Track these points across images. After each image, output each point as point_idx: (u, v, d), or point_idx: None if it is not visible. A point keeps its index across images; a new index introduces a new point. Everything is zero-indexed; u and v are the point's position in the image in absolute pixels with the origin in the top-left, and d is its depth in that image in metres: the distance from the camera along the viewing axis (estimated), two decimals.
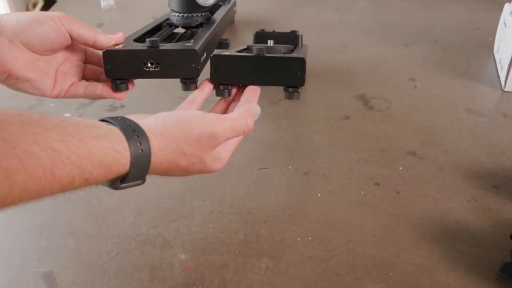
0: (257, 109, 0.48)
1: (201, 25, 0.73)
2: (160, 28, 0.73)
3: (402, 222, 0.61)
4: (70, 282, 0.54)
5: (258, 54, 0.52)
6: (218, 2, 0.83)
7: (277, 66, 0.52)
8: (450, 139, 0.74)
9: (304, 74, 0.52)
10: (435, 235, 0.59)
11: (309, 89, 0.85)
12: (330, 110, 0.81)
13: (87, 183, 0.36)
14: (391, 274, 0.54)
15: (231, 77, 0.53)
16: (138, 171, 0.39)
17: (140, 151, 0.39)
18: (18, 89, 0.52)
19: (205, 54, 0.57)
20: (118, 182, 0.39)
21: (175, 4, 0.74)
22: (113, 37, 0.55)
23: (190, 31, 0.72)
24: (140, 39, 0.63)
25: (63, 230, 0.61)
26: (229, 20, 0.94)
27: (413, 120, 0.78)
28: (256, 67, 0.52)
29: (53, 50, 0.53)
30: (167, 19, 0.75)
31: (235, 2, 1.09)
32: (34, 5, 2.60)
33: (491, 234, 0.58)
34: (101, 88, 0.54)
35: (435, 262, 0.55)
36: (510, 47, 0.83)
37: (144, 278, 0.55)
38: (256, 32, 0.83)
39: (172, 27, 0.74)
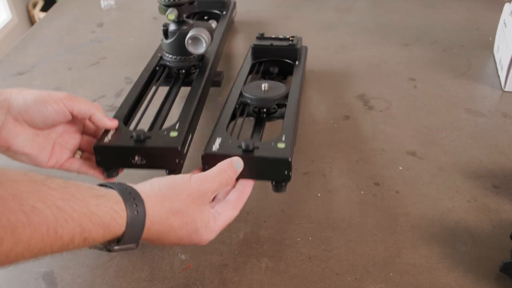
0: (239, 163, 0.53)
1: (194, 66, 0.76)
2: (155, 73, 0.75)
3: (402, 222, 0.61)
4: (70, 282, 0.54)
5: (247, 153, 0.54)
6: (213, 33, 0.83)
7: (264, 165, 0.55)
8: (450, 139, 0.74)
9: (290, 171, 0.54)
10: (435, 235, 0.59)
11: (309, 89, 0.85)
12: (330, 110, 0.81)
13: (86, 242, 0.39)
14: (391, 274, 0.54)
15: None
16: (133, 232, 0.42)
17: (136, 212, 0.42)
18: (16, 160, 0.56)
19: (190, 136, 0.62)
20: (114, 243, 0.42)
21: (168, 48, 0.76)
22: (107, 123, 0.58)
23: (183, 71, 0.76)
24: (133, 106, 0.66)
25: None
26: (224, 41, 0.95)
27: (413, 120, 0.78)
28: (246, 163, 0.54)
29: (54, 126, 0.56)
30: (161, 57, 0.77)
31: (234, 4, 1.09)
32: (34, 5, 2.60)
33: (491, 234, 0.58)
34: (93, 172, 0.59)
35: (435, 262, 0.55)
36: (510, 47, 0.83)
37: (144, 278, 0.55)
38: (254, 45, 0.82)
39: (166, 69, 0.76)
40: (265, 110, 0.68)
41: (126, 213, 0.42)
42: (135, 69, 0.86)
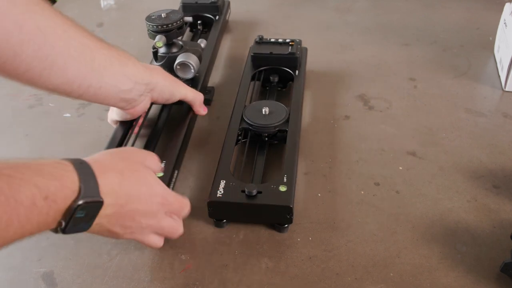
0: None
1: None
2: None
3: (402, 222, 0.60)
4: (70, 282, 0.54)
5: (251, 199, 0.58)
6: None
7: (267, 210, 0.58)
8: (450, 139, 0.74)
9: (292, 215, 0.57)
10: (435, 235, 0.59)
11: (309, 89, 0.85)
12: (330, 110, 0.81)
13: (48, 202, 0.39)
14: (391, 274, 0.54)
15: (225, 215, 0.60)
16: (87, 180, 0.42)
17: (80, 163, 0.43)
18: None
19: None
20: (77, 201, 0.41)
21: None
22: (202, 112, 0.75)
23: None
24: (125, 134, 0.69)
25: None
26: (216, 51, 0.95)
27: (413, 120, 0.78)
28: (249, 209, 0.58)
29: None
30: None
31: (228, 5, 1.07)
32: None
33: (491, 234, 0.58)
34: None
35: (435, 262, 0.55)
36: (510, 47, 0.83)
37: (144, 278, 0.55)
38: (254, 53, 0.82)
39: None
40: (266, 134, 0.69)
41: (70, 161, 0.43)
42: None
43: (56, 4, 1.24)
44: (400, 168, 0.69)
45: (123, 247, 0.58)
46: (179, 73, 0.76)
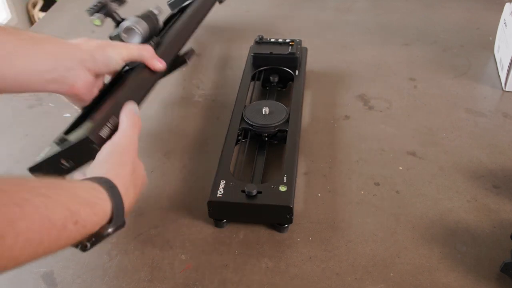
0: (136, 108, 0.57)
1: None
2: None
3: (402, 222, 0.60)
4: (70, 282, 0.54)
5: (251, 199, 0.58)
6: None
7: (267, 210, 0.58)
8: (450, 139, 0.74)
9: (292, 215, 0.58)
10: (435, 235, 0.59)
11: (309, 89, 0.85)
12: (330, 110, 0.81)
13: (78, 226, 0.40)
14: (391, 274, 0.54)
15: (225, 215, 0.60)
16: (117, 204, 0.44)
17: (110, 187, 0.44)
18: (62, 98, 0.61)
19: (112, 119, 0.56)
20: (107, 227, 0.43)
21: None
22: (157, 65, 0.63)
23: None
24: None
25: None
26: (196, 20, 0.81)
27: (413, 120, 0.78)
28: (249, 209, 0.58)
29: (112, 71, 0.61)
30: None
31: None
32: (34, 5, 2.60)
33: (491, 234, 0.58)
34: None
35: (435, 262, 0.55)
36: (510, 47, 0.83)
37: (144, 278, 0.55)
38: (254, 53, 0.82)
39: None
40: (266, 134, 0.69)
41: (104, 188, 0.44)
42: None
43: (56, 4, 1.24)
44: (400, 168, 0.69)
45: (123, 247, 0.58)
46: (127, 40, 0.70)
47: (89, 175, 0.46)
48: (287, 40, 0.84)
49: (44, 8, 2.56)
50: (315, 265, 0.55)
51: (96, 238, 0.43)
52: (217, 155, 0.65)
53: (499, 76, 0.88)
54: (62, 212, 0.38)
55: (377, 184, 0.66)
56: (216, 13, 1.15)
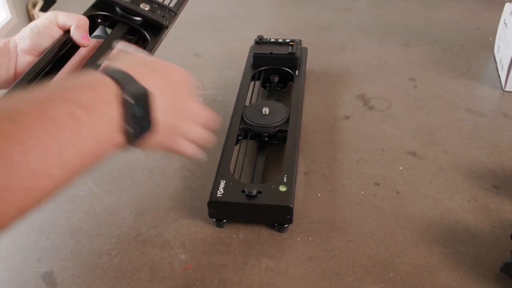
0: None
1: None
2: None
3: (402, 222, 0.60)
4: (70, 282, 0.54)
5: (251, 199, 0.58)
6: None
7: (267, 210, 0.58)
8: (450, 139, 0.74)
9: (292, 215, 0.58)
10: (435, 235, 0.59)
11: (309, 89, 0.85)
12: (330, 110, 0.81)
13: (91, 112, 0.34)
14: (391, 274, 0.54)
15: (226, 215, 0.60)
16: (125, 78, 0.37)
17: (113, 69, 0.38)
18: None
19: None
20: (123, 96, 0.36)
21: None
22: (81, 41, 0.57)
23: None
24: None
25: (63, 230, 0.61)
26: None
27: (413, 120, 0.78)
28: (249, 209, 0.58)
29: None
30: None
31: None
32: (34, 5, 2.60)
33: (491, 234, 0.58)
34: None
35: (435, 262, 0.55)
36: (510, 47, 0.83)
37: (144, 278, 0.55)
38: (254, 53, 0.82)
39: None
40: (266, 134, 0.69)
41: (102, 72, 0.37)
42: None
43: (56, 4, 1.24)
44: (400, 168, 0.69)
45: (123, 247, 0.58)
46: None
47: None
48: (287, 40, 0.84)
49: (44, 8, 2.56)
50: (315, 265, 0.55)
51: (126, 112, 0.36)
52: (217, 155, 0.65)
53: (499, 76, 0.88)
54: (64, 106, 0.33)
55: (377, 184, 0.66)
56: (216, 13, 1.15)
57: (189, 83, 0.46)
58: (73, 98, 0.34)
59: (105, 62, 0.43)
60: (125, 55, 0.45)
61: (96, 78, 0.37)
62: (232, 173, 0.62)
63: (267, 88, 0.83)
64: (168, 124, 0.42)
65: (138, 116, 0.37)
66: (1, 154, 0.29)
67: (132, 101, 0.36)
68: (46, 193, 0.32)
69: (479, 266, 0.55)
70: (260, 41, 0.85)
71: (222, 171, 0.62)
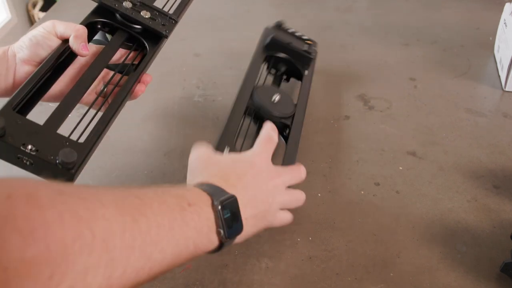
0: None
1: None
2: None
3: (402, 222, 0.60)
4: None
5: None
6: None
7: None
8: (450, 139, 0.74)
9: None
10: (435, 235, 0.59)
11: None
12: (330, 110, 0.81)
13: (192, 207, 0.41)
14: (391, 274, 0.54)
15: None
16: (211, 187, 0.45)
17: (200, 183, 0.46)
18: None
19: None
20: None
21: None
22: (80, 51, 0.58)
23: None
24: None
25: None
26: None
27: (413, 120, 0.78)
28: None
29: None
30: None
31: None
32: (34, 5, 2.60)
33: (491, 234, 0.58)
34: None
35: (435, 262, 0.55)
36: (510, 47, 0.83)
37: None
38: (273, 37, 0.78)
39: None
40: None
41: (203, 188, 0.44)
42: None
43: (55, 4, 1.24)
44: (400, 168, 0.69)
45: None
46: None
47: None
48: (305, 37, 0.82)
49: (44, 8, 2.56)
50: (315, 265, 0.55)
51: (218, 217, 0.43)
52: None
53: (499, 76, 0.88)
54: (174, 197, 0.41)
55: (377, 184, 0.66)
56: (216, 13, 1.15)
57: (268, 165, 0.52)
58: (180, 194, 0.41)
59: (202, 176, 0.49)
60: (218, 162, 0.51)
61: (193, 188, 0.44)
62: None
63: (272, 74, 0.81)
64: (258, 212, 0.49)
65: (228, 219, 0.43)
66: (132, 220, 0.35)
67: (220, 207, 0.43)
68: (142, 274, 0.36)
69: (479, 266, 0.55)
70: (279, 27, 0.82)
71: (225, 136, 0.61)
